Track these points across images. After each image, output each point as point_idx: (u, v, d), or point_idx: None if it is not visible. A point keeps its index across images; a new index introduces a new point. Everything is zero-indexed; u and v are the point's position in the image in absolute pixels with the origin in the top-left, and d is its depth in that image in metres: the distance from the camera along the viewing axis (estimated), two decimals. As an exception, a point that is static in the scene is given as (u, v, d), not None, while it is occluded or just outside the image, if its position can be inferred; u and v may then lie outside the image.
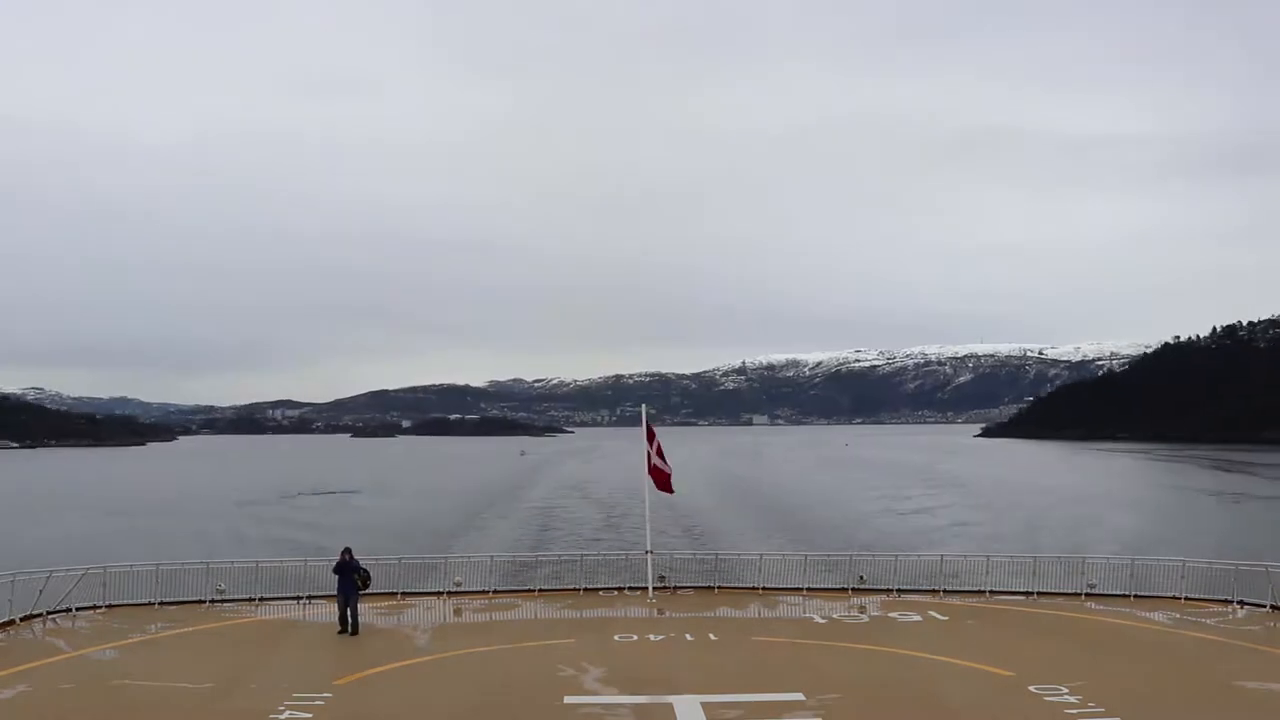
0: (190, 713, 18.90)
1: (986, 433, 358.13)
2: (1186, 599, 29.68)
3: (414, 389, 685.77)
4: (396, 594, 30.92)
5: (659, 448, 31.36)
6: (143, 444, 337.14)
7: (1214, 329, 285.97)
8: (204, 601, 29.79)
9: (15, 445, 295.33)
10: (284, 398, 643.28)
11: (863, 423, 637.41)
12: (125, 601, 29.26)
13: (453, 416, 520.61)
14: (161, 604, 29.45)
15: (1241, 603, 29.00)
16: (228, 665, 22.50)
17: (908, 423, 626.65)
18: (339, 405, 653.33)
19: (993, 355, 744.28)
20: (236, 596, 30.28)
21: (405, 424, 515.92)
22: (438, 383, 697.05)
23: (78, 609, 28.08)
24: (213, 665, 22.43)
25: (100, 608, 28.67)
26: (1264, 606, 28.39)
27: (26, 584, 27.22)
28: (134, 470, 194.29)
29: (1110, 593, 30.60)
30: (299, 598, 30.39)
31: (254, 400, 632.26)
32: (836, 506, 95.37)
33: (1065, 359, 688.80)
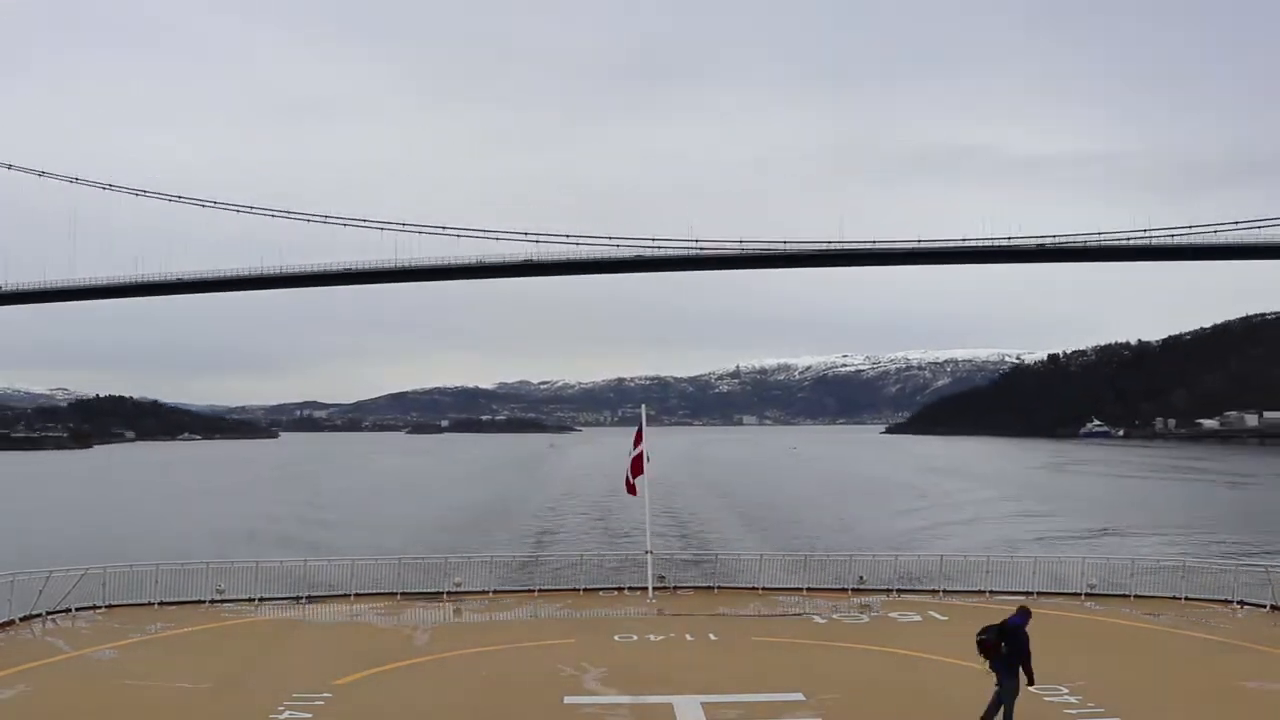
0: (190, 713, 18.88)
1: (889, 430, 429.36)
2: (1186, 599, 29.64)
3: (430, 391, 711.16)
4: (396, 594, 30.93)
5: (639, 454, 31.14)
6: (274, 437, 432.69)
7: (1047, 356, 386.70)
8: (204, 601, 29.78)
9: (198, 437, 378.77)
10: (306, 399, 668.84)
11: (845, 423, 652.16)
12: (125, 601, 29.24)
13: (484, 417, 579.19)
14: (161, 604, 29.42)
15: (1241, 603, 28.98)
16: (228, 665, 22.49)
17: (887, 423, 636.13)
18: (361, 406, 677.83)
19: (970, 360, 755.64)
20: (236, 596, 30.25)
21: (443, 423, 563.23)
22: (450, 385, 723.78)
23: (77, 609, 28.04)
24: (213, 665, 22.41)
25: (100, 608, 28.64)
26: (1264, 606, 28.38)
27: (26, 584, 27.19)
28: (346, 446, 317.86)
29: (1110, 593, 30.59)
30: (299, 598, 30.39)
31: (280, 401, 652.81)
32: (712, 455, 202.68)
33: (1039, 363, 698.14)
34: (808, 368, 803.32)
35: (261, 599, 30.21)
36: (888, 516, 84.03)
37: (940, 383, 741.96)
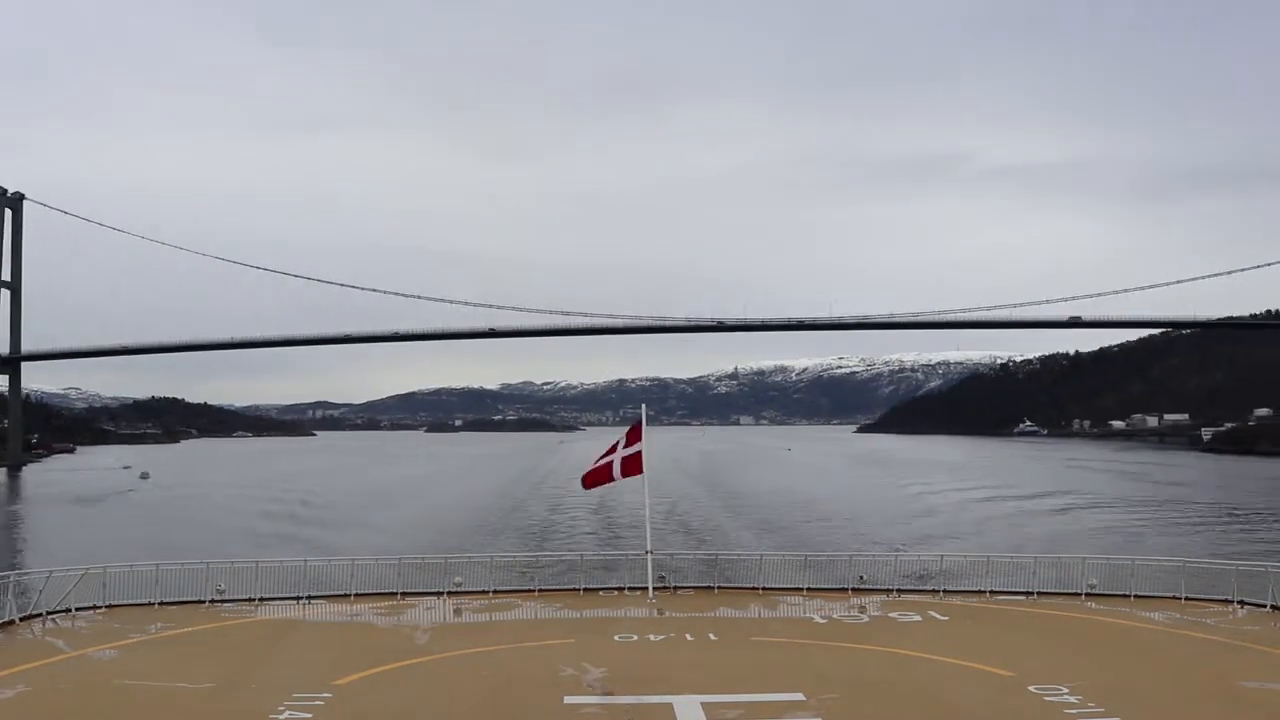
0: (190, 713, 18.87)
1: (860, 430, 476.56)
2: (1186, 599, 29.63)
3: (438, 391, 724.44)
4: (396, 594, 30.91)
5: (616, 446, 31.76)
6: (312, 435, 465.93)
7: (998, 362, 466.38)
8: (204, 601, 29.77)
9: (250, 434, 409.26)
10: (316, 400, 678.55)
11: (839, 423, 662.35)
12: (125, 602, 29.23)
13: (495, 417, 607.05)
14: (161, 604, 29.42)
15: (1242, 603, 28.97)
16: (228, 665, 22.47)
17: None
18: (372, 406, 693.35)
19: (963, 363, 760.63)
20: (236, 596, 30.24)
21: (457, 423, 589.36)
22: (456, 386, 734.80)
23: (78, 609, 28.04)
24: (213, 665, 22.40)
25: (100, 608, 28.63)
26: (1264, 606, 28.36)
27: (26, 584, 27.22)
28: (383, 443, 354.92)
29: (1110, 593, 30.58)
30: (299, 598, 30.37)
31: (292, 401, 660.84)
32: (692, 447, 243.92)
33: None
34: (804, 369, 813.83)
35: (261, 599, 30.19)
36: (773, 473, 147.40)
37: (933, 384, 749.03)
